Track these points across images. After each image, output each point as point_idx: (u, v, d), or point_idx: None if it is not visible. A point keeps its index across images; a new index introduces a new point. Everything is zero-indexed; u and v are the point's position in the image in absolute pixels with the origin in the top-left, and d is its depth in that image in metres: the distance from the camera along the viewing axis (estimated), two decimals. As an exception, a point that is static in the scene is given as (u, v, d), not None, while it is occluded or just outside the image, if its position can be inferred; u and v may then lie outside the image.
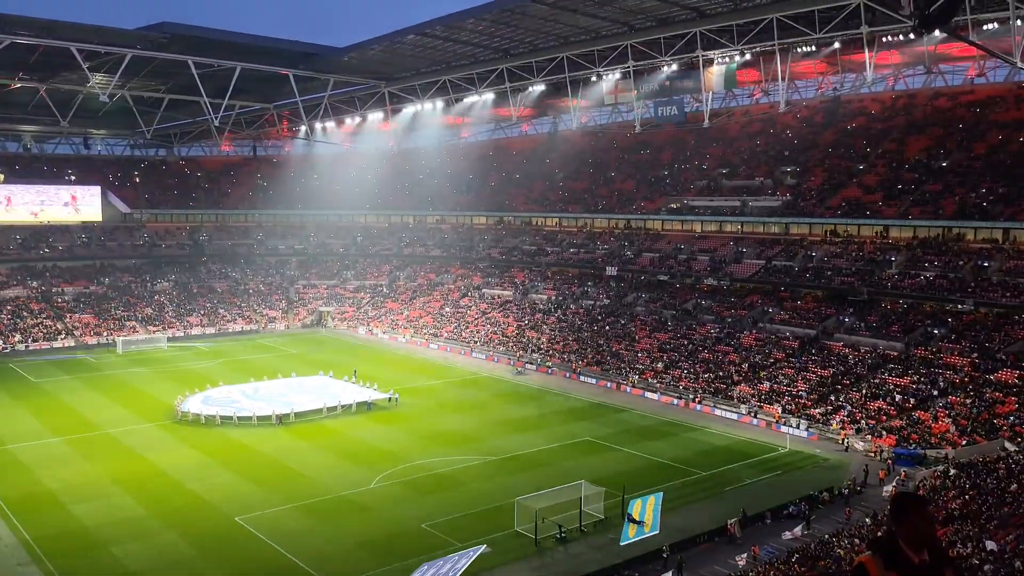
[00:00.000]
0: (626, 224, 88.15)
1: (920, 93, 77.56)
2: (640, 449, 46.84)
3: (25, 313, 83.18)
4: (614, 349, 69.37)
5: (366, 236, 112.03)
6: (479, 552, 31.25)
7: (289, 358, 73.07)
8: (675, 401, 58.36)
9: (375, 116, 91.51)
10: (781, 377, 57.33)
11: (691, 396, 58.17)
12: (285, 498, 38.32)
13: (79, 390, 60.52)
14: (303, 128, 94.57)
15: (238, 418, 51.84)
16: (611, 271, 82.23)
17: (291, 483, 40.57)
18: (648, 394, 60.42)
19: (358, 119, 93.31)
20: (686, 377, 61.20)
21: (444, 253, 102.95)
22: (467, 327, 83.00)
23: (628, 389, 62.07)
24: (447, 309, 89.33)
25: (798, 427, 50.51)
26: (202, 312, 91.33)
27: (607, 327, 74.16)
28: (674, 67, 68.68)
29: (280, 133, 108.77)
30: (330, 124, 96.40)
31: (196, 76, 72.06)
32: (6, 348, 75.85)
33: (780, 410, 52.93)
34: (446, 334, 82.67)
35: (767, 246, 73.89)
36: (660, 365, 64.09)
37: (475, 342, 78.68)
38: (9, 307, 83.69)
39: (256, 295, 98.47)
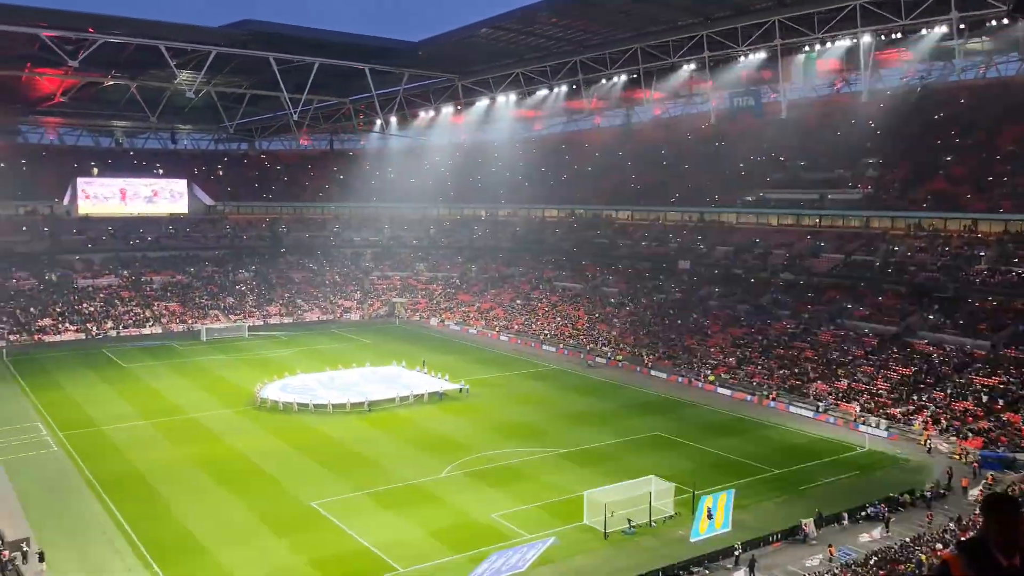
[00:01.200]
0: (699, 217, 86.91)
1: (1014, 81, 73.98)
2: (712, 445, 46.22)
3: (117, 301, 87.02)
4: (686, 344, 68.55)
5: (439, 228, 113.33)
6: (548, 544, 31.45)
7: (363, 348, 74.54)
8: (748, 397, 57.36)
9: (448, 109, 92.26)
10: (860, 375, 55.72)
11: (765, 393, 57.06)
12: (358, 484, 39.19)
13: (165, 375, 63.03)
14: (378, 122, 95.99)
15: (314, 406, 53.19)
16: (684, 265, 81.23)
17: (364, 470, 41.45)
18: (720, 390, 59.53)
19: (431, 112, 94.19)
20: (760, 373, 60.04)
21: (515, 246, 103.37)
22: (537, 320, 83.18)
23: (700, 384, 61.28)
24: (518, 301, 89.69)
25: (877, 426, 49.04)
26: (281, 302, 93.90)
27: (679, 321, 73.31)
28: (751, 57, 67.15)
29: (356, 127, 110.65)
30: (404, 118, 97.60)
31: (276, 72, 73.93)
32: (99, 334, 79.51)
33: (858, 409, 51.47)
34: (517, 326, 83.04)
35: (846, 240, 71.82)
36: (733, 360, 63.05)
37: (545, 335, 78.80)
38: (102, 295, 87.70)
39: (332, 286, 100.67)
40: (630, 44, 70.66)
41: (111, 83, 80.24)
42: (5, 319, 78.39)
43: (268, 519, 34.93)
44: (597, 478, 39.05)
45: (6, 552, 29.94)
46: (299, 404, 53.24)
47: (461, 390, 57.64)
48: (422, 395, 55.98)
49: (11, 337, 75.35)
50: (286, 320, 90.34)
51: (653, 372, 65.32)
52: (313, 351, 73.44)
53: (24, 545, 30.87)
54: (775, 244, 76.70)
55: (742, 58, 67.35)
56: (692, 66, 71.72)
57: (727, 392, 58.91)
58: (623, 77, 76.40)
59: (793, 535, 33.74)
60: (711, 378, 61.31)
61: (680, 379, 63.04)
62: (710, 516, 32.57)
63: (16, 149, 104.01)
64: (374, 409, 53.10)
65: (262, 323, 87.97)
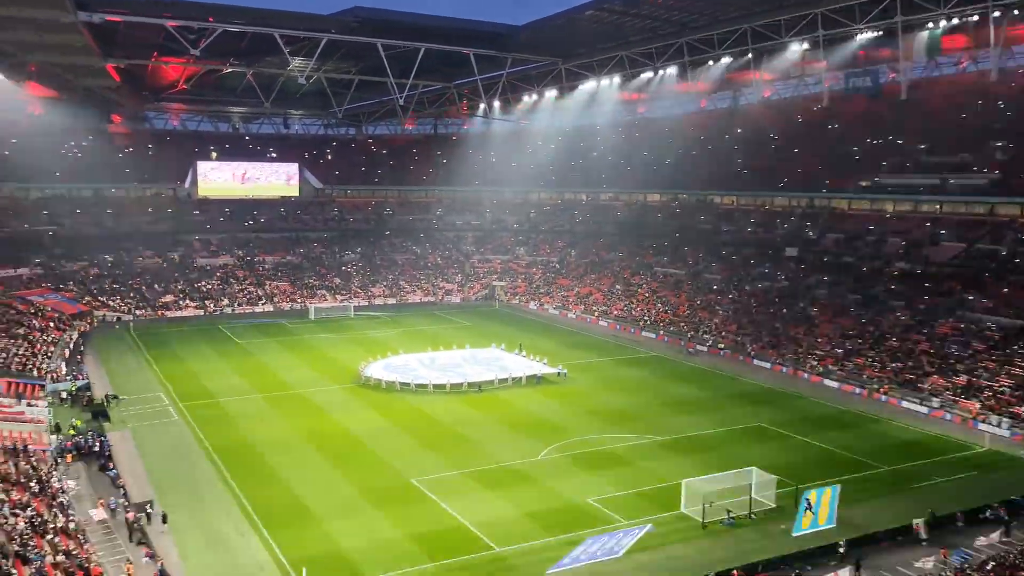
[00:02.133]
0: (808, 203, 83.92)
1: None
2: (817, 439, 44.77)
3: (232, 280, 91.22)
4: (791, 333, 66.51)
5: (539, 212, 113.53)
6: (644, 531, 31.29)
7: (463, 330, 75.65)
8: (857, 390, 55.22)
9: (551, 93, 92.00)
10: (981, 371, 52.72)
11: (875, 386, 54.78)
12: (457, 463, 39.92)
13: (276, 351, 65.73)
14: (481, 106, 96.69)
15: (415, 385, 54.41)
16: (791, 252, 78.72)
17: (463, 449, 42.17)
18: (827, 381, 57.54)
19: (535, 96, 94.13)
20: (870, 366, 57.65)
21: (616, 231, 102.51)
22: (637, 305, 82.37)
23: (805, 375, 59.40)
24: (617, 287, 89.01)
25: (999, 425, 46.37)
26: (384, 283, 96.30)
27: (784, 310, 71.16)
28: (869, 35, 64.06)
29: (459, 111, 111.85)
30: (507, 102, 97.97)
31: (384, 57, 75.47)
32: (216, 311, 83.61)
33: (979, 406, 48.77)
34: (616, 312, 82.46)
35: (969, 228, 67.92)
36: (841, 352, 60.79)
37: (645, 321, 77.97)
38: (219, 274, 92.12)
39: (434, 268, 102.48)
40: (738, 24, 68.63)
41: (229, 70, 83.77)
42: (132, 295, 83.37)
43: (370, 493, 36.04)
44: (695, 467, 38.51)
45: (132, 513, 31.99)
46: (401, 383, 54.56)
47: (559, 374, 57.78)
48: (520, 378, 56.41)
49: (137, 312, 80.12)
50: (390, 301, 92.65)
51: (756, 361, 63.72)
52: (415, 332, 75.04)
53: (148, 507, 32.92)
54: (890, 231, 73.27)
55: (859, 36, 64.37)
56: (804, 45, 69.07)
57: (834, 384, 56.88)
58: (730, 58, 74.31)
59: (903, 535, 32.37)
60: (817, 369, 59.32)
61: (784, 369, 61.27)
62: (813, 511, 31.63)
63: (143, 135, 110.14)
64: (477, 390, 53.85)
65: (367, 303, 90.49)
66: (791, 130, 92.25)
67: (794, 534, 31.50)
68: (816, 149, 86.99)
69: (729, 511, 33.34)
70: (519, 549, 30.77)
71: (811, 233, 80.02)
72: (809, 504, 31.67)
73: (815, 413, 50.29)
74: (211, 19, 66.68)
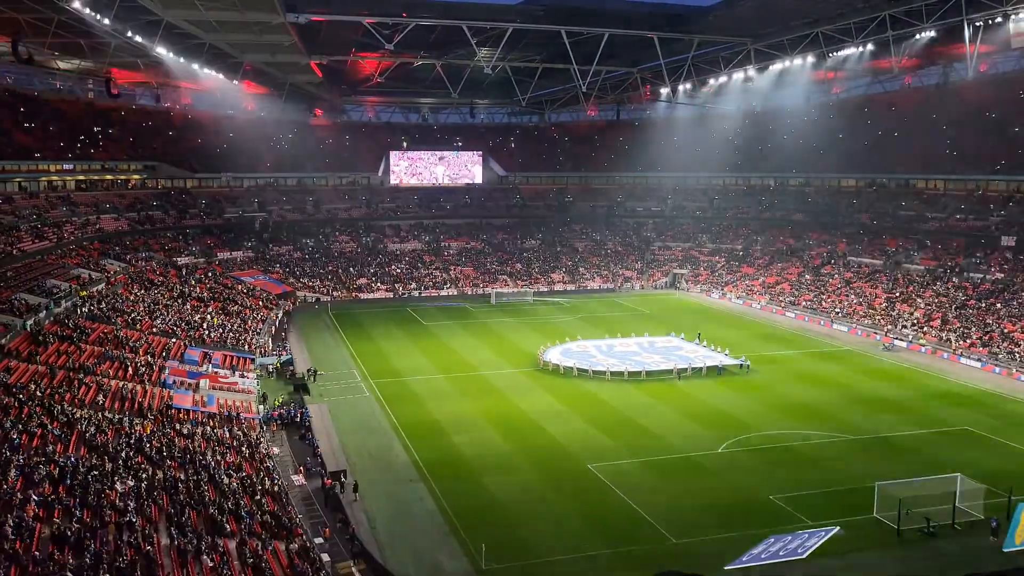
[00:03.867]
0: (1031, 187, 75.85)
1: None
2: (1034, 447, 40.62)
3: (419, 264, 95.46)
4: (1006, 330, 60.54)
5: (724, 199, 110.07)
6: (831, 533, 29.65)
7: (642, 318, 74.92)
8: (1085, 396, 49.51)
9: (739, 75, 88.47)
10: None
11: (1108, 393, 48.87)
12: (634, 452, 39.68)
13: (459, 334, 68.13)
14: (665, 91, 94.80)
15: (593, 372, 54.54)
16: (1007, 241, 71.65)
17: (640, 438, 41.84)
18: (1049, 385, 52.00)
19: (722, 78, 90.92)
20: (1103, 370, 51.47)
21: (806, 218, 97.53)
22: (828, 296, 78.00)
23: (1022, 378, 53.91)
24: (807, 276, 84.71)
25: None
26: (564, 269, 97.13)
27: (999, 305, 64.87)
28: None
29: (642, 96, 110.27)
30: (691, 86, 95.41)
31: (567, 45, 75.76)
32: (404, 293, 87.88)
33: None
34: (804, 303, 78.53)
35: None
36: (1067, 353, 54.67)
37: (836, 313, 73.70)
38: (408, 258, 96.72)
39: (614, 255, 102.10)
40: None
41: (420, 63, 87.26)
42: (330, 277, 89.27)
43: (549, 478, 36.55)
44: (891, 470, 36.01)
45: (329, 479, 34.39)
46: (579, 369, 54.89)
47: (741, 366, 55.92)
48: (700, 368, 55.13)
49: (335, 293, 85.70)
50: (569, 287, 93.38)
51: (964, 360, 58.56)
52: (593, 318, 75.19)
53: (343, 476, 35.25)
54: None
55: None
56: (1029, 13, 62.10)
57: (1057, 388, 51.33)
58: (940, 31, 68.13)
59: None
60: (1037, 371, 53.70)
61: (997, 370, 55.91)
62: (1028, 526, 28.75)
63: (340, 126, 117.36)
64: (652, 379, 53.25)
65: (547, 289, 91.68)
66: (1011, 107, 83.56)
67: (1005, 549, 28.75)
68: (1041, 127, 78.39)
69: (929, 519, 30.96)
70: (695, 542, 30.20)
71: (1032, 221, 72.41)
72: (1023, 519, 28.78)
73: (1033, 419, 45.58)
74: (404, 14, 69.72)
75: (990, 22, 63.88)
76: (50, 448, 30.21)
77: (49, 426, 32.42)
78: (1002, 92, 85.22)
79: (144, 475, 29.73)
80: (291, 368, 54.50)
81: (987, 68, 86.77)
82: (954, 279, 72.06)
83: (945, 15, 64.20)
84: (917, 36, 69.71)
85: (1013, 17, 62.96)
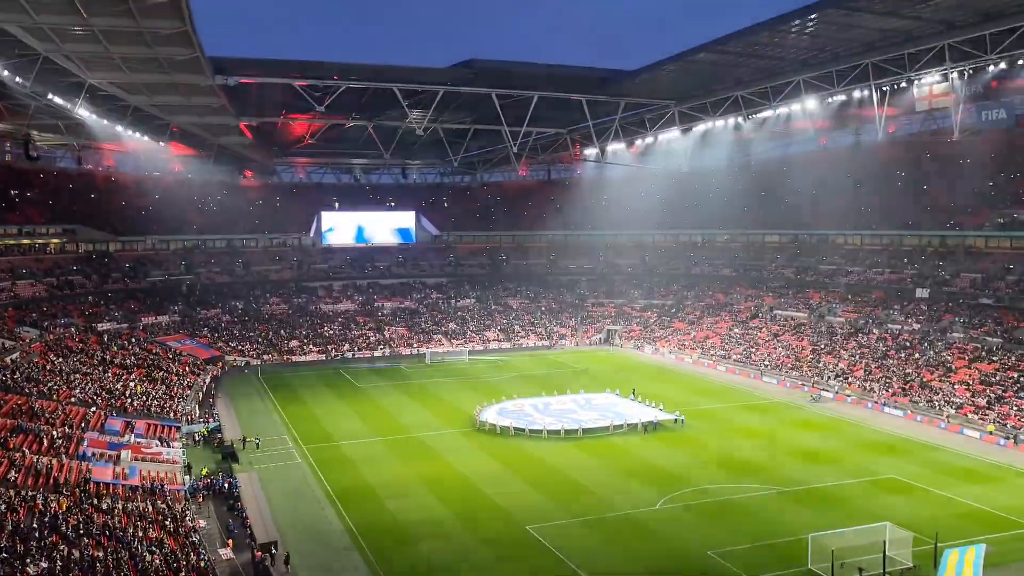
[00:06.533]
0: (941, 242, 79.64)
1: None
2: (957, 493, 41.80)
3: (352, 325, 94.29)
4: (925, 379, 62.78)
5: (654, 256, 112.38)
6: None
7: (578, 374, 75.25)
8: (1001, 441, 51.37)
9: (664, 136, 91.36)
10: None
11: (1023, 437, 50.80)
12: (573, 512, 39.43)
13: (394, 396, 67.21)
14: (594, 151, 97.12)
15: (530, 431, 54.33)
16: (922, 293, 74.75)
17: (579, 497, 41.65)
18: (967, 431, 53.81)
19: (648, 139, 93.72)
20: (1016, 415, 53.60)
21: (733, 273, 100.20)
22: (757, 349, 79.81)
23: (942, 425, 55.75)
24: (736, 330, 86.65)
25: None
26: (499, 328, 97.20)
27: (916, 355, 67.34)
28: (1003, 66, 60.76)
29: (573, 156, 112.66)
30: (620, 146, 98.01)
31: (498, 106, 77.17)
32: (337, 355, 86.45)
33: None
34: (735, 356, 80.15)
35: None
36: (983, 401, 56.82)
37: (765, 366, 75.38)
38: (340, 319, 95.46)
39: (548, 312, 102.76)
40: (858, 60, 66.44)
41: (351, 124, 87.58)
42: (260, 340, 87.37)
43: (488, 541, 35.95)
44: (823, 521, 36.60)
45: (259, 552, 33.12)
46: (515, 428, 54.62)
47: (676, 420, 56.48)
48: (636, 424, 55.45)
49: (264, 357, 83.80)
50: (504, 345, 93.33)
51: (887, 409, 60.38)
52: (529, 376, 75.17)
53: (273, 548, 33.99)
54: (1033, 270, 68.52)
55: (992, 67, 61.13)
56: (932, 78, 66.10)
57: (974, 434, 53.13)
58: (850, 95, 71.89)
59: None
60: (956, 418, 55.59)
61: (918, 418, 57.75)
62: (956, 572, 29.38)
63: (271, 187, 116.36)
64: (588, 436, 53.27)
65: (482, 348, 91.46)
66: (919, 167, 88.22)
67: (934, 597, 29.37)
68: (947, 185, 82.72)
69: (861, 568, 31.43)
70: (637, 602, 29.96)
71: (944, 273, 75.80)
72: (949, 567, 29.42)
73: (954, 465, 47.04)
74: (335, 77, 70.13)
75: (895, 87, 67.56)
76: (-44, 530, 28.44)
77: (-44, 506, 30.56)
78: (911, 152, 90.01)
79: (58, 555, 28.15)
80: (219, 435, 52.77)
81: (895, 130, 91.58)
82: (874, 330, 74.62)
83: (854, 80, 67.82)
84: (829, 100, 73.30)
85: (916, 82, 66.85)
